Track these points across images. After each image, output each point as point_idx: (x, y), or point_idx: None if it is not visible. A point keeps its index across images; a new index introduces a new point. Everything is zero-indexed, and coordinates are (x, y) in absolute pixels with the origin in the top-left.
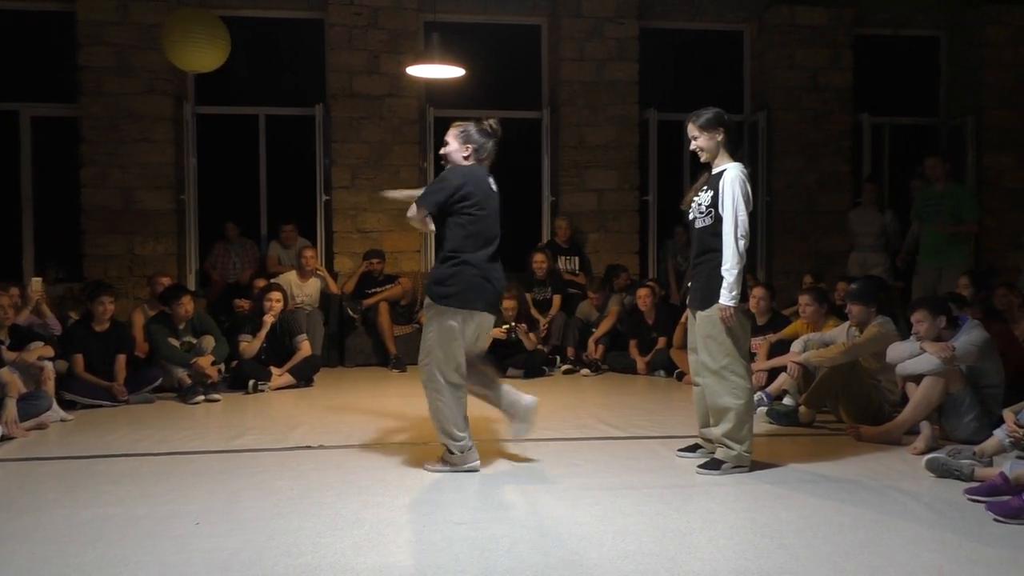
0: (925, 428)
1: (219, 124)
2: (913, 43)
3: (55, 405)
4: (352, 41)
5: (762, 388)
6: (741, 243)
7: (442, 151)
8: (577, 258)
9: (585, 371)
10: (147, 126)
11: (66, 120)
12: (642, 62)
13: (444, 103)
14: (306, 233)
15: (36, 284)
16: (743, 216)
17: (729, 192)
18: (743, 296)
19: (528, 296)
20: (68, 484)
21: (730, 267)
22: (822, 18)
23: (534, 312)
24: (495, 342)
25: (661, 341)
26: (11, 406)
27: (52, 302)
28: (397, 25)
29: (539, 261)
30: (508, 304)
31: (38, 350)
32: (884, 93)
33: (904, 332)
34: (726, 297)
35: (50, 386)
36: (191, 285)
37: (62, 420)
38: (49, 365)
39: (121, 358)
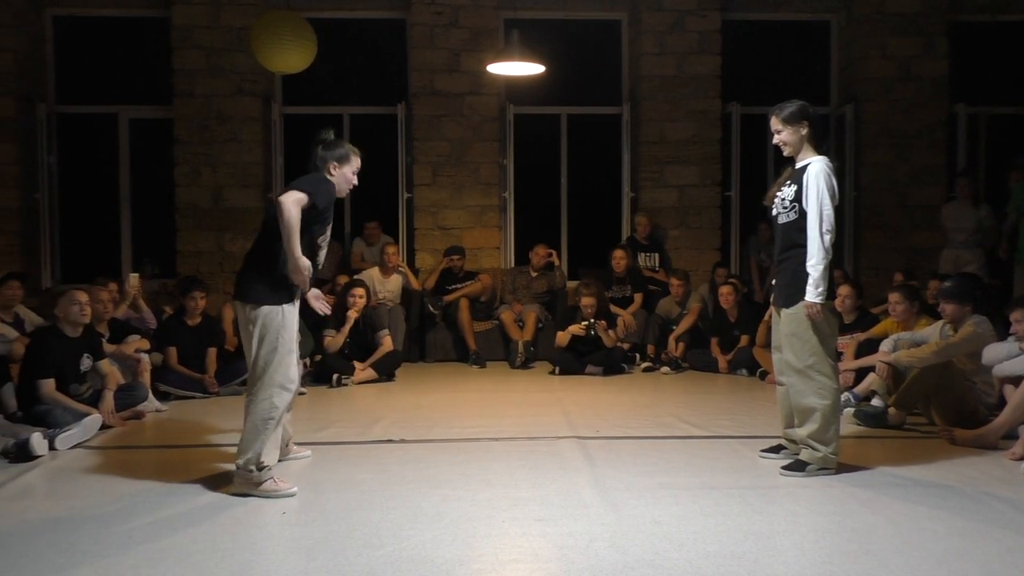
0: None
1: (305, 124)
2: (1012, 29)
3: (151, 396)
4: (434, 40)
5: (849, 388)
6: (826, 238)
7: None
8: (657, 255)
9: (665, 369)
10: (236, 126)
11: (161, 122)
12: (724, 55)
13: (524, 100)
14: (389, 230)
15: (133, 280)
16: (828, 210)
17: (814, 186)
18: (830, 293)
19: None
20: (162, 472)
21: (815, 262)
22: (915, 5)
23: (614, 308)
24: (574, 339)
25: (744, 339)
26: (109, 397)
27: (148, 297)
28: (478, 23)
29: (618, 258)
30: (587, 301)
31: (135, 343)
32: (981, 82)
33: (1002, 332)
34: (812, 293)
35: (146, 378)
36: None
37: (157, 410)
38: (145, 357)
39: (212, 351)
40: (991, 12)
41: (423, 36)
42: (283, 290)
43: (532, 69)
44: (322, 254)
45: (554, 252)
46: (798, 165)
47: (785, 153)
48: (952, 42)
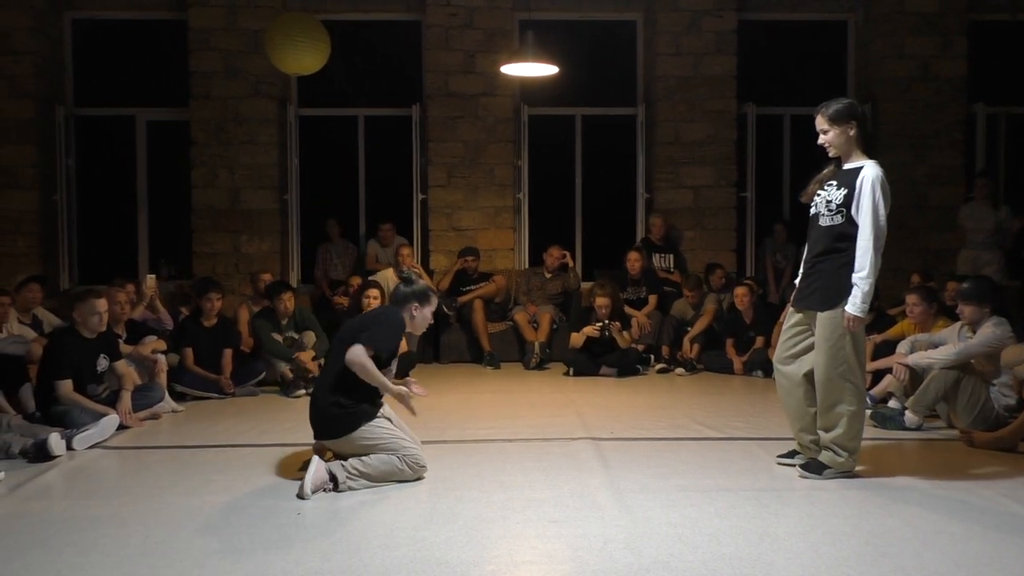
0: None
1: (320, 125)
2: None
3: (167, 396)
4: (448, 41)
5: (867, 390)
6: (879, 252)
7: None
8: (672, 256)
9: (680, 370)
10: (253, 128)
11: (178, 124)
12: (740, 55)
13: (539, 101)
14: (403, 231)
15: (150, 281)
16: (883, 222)
17: (868, 194)
18: (871, 306)
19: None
20: (179, 472)
21: (866, 275)
22: (933, 4)
23: (629, 310)
24: (588, 340)
25: (759, 340)
26: (126, 397)
27: (164, 298)
28: (492, 24)
29: (633, 259)
30: (601, 302)
31: (152, 344)
32: (1000, 81)
33: (1021, 333)
34: (857, 307)
35: (163, 378)
36: (293, 282)
37: (173, 411)
38: (162, 358)
39: (228, 352)
40: (1010, 11)
41: (438, 37)
42: (365, 409)
43: (547, 70)
44: (391, 369)
45: (568, 253)
46: (846, 167)
47: (830, 154)
48: (971, 41)
